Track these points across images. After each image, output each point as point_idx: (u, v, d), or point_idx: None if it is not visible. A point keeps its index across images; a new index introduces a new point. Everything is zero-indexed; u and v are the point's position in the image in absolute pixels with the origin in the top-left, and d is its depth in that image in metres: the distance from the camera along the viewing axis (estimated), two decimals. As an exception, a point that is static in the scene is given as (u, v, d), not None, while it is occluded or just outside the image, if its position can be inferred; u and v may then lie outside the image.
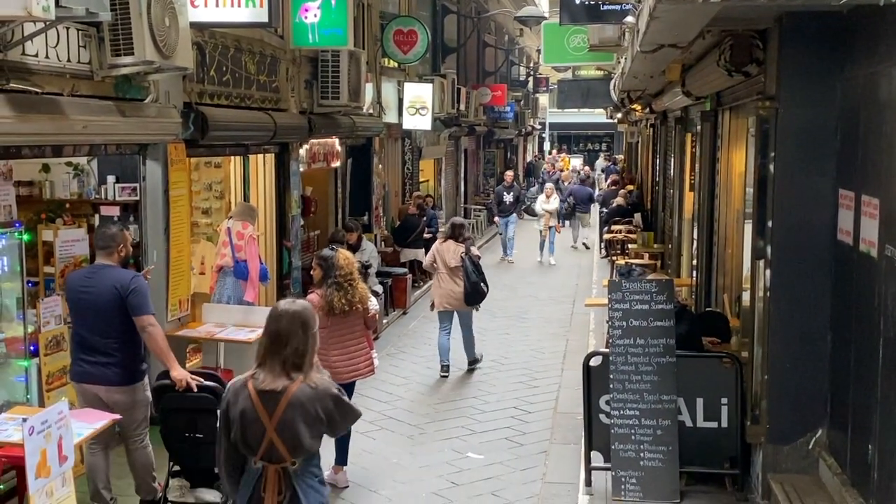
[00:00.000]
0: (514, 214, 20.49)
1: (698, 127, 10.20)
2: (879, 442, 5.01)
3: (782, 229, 6.10)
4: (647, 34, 5.93)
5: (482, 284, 10.45)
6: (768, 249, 6.20)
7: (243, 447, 4.17)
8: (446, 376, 10.52)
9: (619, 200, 19.77)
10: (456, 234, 10.64)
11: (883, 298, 4.95)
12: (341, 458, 7.32)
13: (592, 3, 9.62)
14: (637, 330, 6.64)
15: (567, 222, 23.05)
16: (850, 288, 5.62)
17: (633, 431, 6.59)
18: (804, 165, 6.01)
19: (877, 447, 5.04)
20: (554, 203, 20.49)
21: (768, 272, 6.20)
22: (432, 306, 10.80)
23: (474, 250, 10.68)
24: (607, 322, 7.04)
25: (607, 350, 6.82)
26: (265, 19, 8.01)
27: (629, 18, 7.65)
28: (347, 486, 7.24)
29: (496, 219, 20.84)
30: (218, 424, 4.33)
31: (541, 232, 20.27)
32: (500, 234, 20.66)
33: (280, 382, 4.11)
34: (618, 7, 9.44)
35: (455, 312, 10.59)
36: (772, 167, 6.14)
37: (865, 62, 5.38)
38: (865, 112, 5.38)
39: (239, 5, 7.95)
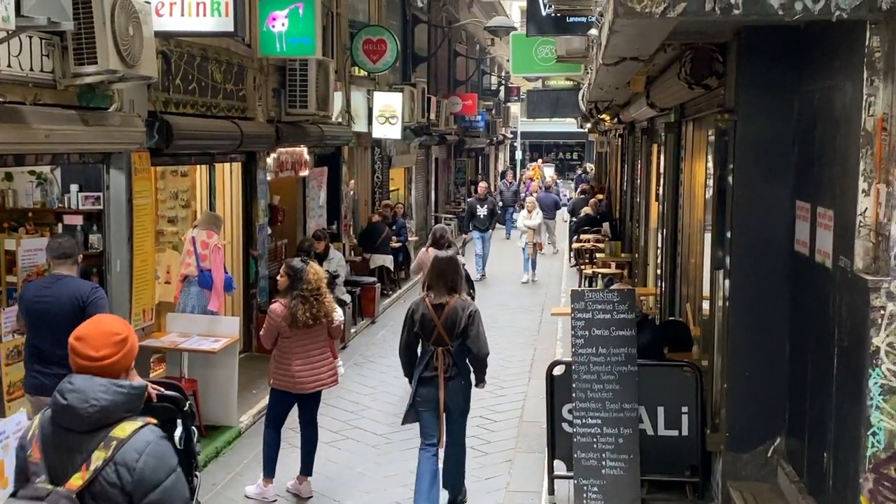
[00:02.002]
0: (490, 230, 19.39)
1: (663, 138, 10.30)
2: (834, 450, 5.08)
3: (741, 240, 6.17)
4: (608, 47, 5.99)
5: (472, 292, 10.46)
6: (727, 260, 6.28)
7: (423, 336, 6.75)
8: None
9: (588, 209, 19.89)
10: (438, 242, 10.62)
11: (837, 308, 5.03)
12: (306, 469, 7.32)
13: (558, 15, 9.70)
14: (599, 339, 6.71)
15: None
16: (807, 298, 5.70)
17: (594, 440, 6.64)
18: (762, 177, 6.09)
19: (832, 455, 5.11)
20: (537, 219, 19.35)
21: (727, 282, 6.28)
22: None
23: (460, 259, 10.66)
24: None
25: (570, 359, 6.87)
26: (230, 29, 8.00)
27: (592, 31, 7.72)
28: (311, 497, 7.24)
29: (467, 235, 19.70)
30: (403, 323, 6.86)
31: (524, 250, 18.93)
32: (477, 253, 19.19)
33: (444, 298, 6.73)
34: (583, 19, 9.52)
35: None
36: (730, 178, 6.22)
37: (820, 76, 5.47)
38: (821, 125, 5.47)
39: (204, 14, 7.92)
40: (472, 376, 6.86)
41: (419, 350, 6.86)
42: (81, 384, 3.14)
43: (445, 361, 6.68)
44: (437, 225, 12.79)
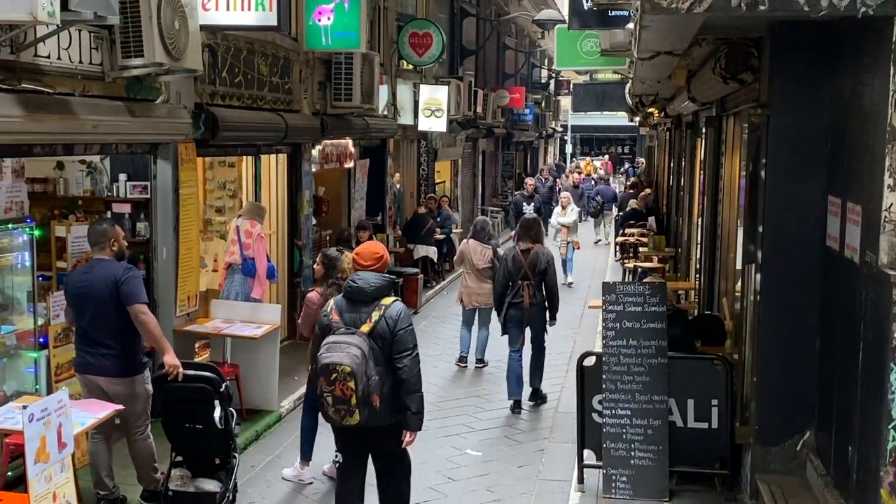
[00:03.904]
0: None
1: (704, 131, 10.29)
2: (859, 443, 5.10)
3: (772, 235, 6.19)
4: (641, 42, 6.05)
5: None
6: (759, 254, 6.30)
7: (514, 274, 9.30)
8: (464, 367, 11.09)
9: (635, 203, 19.82)
10: (479, 234, 10.77)
11: (863, 303, 5.05)
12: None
13: (600, 8, 9.73)
14: (630, 331, 6.77)
15: (595, 219, 24.39)
16: (837, 293, 5.71)
17: (624, 431, 6.71)
18: (794, 172, 6.10)
19: (856, 449, 5.14)
20: (572, 215, 18.09)
21: (759, 276, 6.30)
22: (459, 300, 11.13)
23: (501, 251, 10.77)
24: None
25: (601, 350, 6.95)
26: (274, 23, 8.19)
27: (629, 25, 7.76)
28: (346, 480, 7.39)
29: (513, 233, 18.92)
30: (499, 267, 9.74)
31: (559, 248, 17.40)
32: None
33: (528, 245, 9.34)
34: (626, 13, 9.55)
35: (477, 311, 10.82)
36: (763, 173, 6.24)
37: (851, 72, 5.47)
38: (851, 121, 5.48)
39: (249, 9, 8.13)
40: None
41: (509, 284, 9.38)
42: (364, 275, 5.69)
43: (530, 292, 9.24)
44: (478, 217, 12.89)
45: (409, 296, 14.28)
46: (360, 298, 5.59)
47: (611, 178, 33.87)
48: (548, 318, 9.52)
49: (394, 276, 6.04)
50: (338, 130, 12.22)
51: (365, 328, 5.49)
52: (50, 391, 6.77)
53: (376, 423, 5.50)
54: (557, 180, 29.16)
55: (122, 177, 8.49)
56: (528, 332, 9.52)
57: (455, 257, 11.84)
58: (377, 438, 5.69)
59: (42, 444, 4.73)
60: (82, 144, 7.03)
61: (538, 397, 9.65)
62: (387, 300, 5.61)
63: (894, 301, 4.49)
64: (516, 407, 9.39)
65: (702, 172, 10.71)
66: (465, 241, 11.20)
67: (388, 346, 5.50)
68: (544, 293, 9.42)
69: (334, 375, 5.31)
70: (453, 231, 17.78)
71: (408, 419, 5.59)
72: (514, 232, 11.20)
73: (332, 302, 5.73)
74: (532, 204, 18.56)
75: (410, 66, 16.55)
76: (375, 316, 5.52)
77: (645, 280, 7.99)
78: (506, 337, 9.60)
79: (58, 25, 5.53)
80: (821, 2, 4.59)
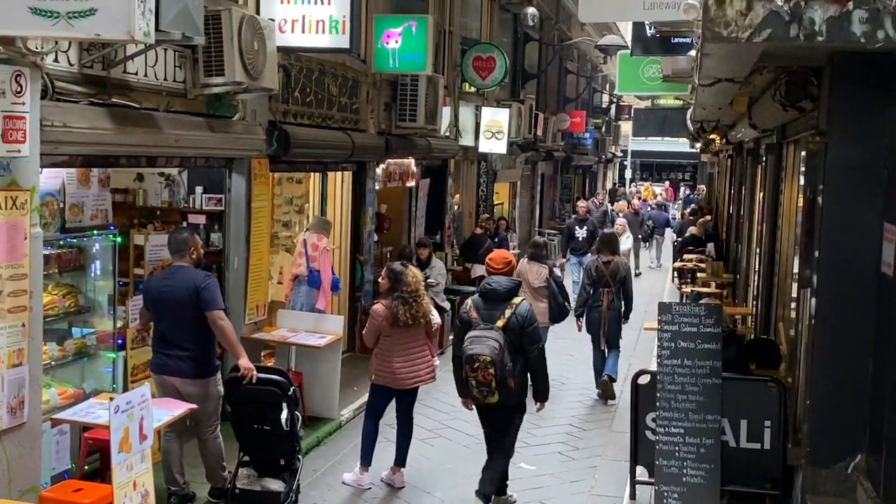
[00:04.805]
0: (588, 254, 16.77)
1: (765, 158, 10.38)
2: (908, 467, 5.19)
3: (828, 259, 6.28)
4: (702, 69, 6.23)
5: (567, 304, 10.80)
6: (814, 278, 6.41)
7: (596, 282, 10.78)
8: None
9: (694, 230, 19.84)
10: (537, 254, 10.99)
11: (916, 328, 5.15)
12: (400, 460, 7.74)
13: (663, 35, 9.91)
14: (685, 351, 6.90)
15: (646, 244, 24.68)
16: (890, 318, 5.80)
17: (677, 448, 6.83)
18: (851, 199, 6.19)
19: (906, 472, 5.22)
20: (626, 243, 17.85)
21: (814, 300, 6.40)
22: None
23: (557, 271, 11.02)
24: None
25: (655, 370, 7.09)
26: (346, 46, 8.54)
27: (691, 52, 7.94)
28: (403, 487, 7.66)
29: (565, 259, 18.01)
30: (584, 277, 11.32)
31: None
32: (574, 281, 16.89)
33: (609, 257, 10.76)
34: (688, 40, 9.72)
35: None
36: (820, 199, 6.35)
37: (909, 102, 5.59)
38: (907, 150, 5.59)
39: (323, 32, 8.50)
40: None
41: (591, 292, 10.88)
42: (498, 279, 6.97)
43: (609, 298, 10.75)
44: (535, 237, 13.12)
45: (466, 314, 14.50)
46: (495, 298, 6.88)
47: (670, 205, 33.85)
48: (622, 320, 11.02)
49: (517, 281, 7.24)
50: (401, 150, 12.54)
51: (500, 323, 6.75)
52: (126, 390, 7.12)
53: (509, 402, 6.85)
54: (612, 205, 29.22)
55: (199, 189, 8.88)
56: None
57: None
58: (508, 413, 6.99)
59: (125, 435, 5.05)
60: (164, 157, 7.41)
61: (612, 381, 10.92)
62: (516, 300, 6.88)
63: (945, 326, 4.60)
64: (604, 387, 10.85)
65: (761, 199, 10.79)
66: (521, 260, 11.41)
67: (517, 337, 6.74)
68: (622, 299, 10.88)
69: (477, 364, 6.61)
70: (526, 252, 17.87)
71: (539, 393, 7.07)
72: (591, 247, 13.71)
73: (469, 301, 7.03)
74: (585, 227, 17.97)
75: (473, 89, 16.85)
76: (508, 313, 6.78)
77: (701, 301, 8.12)
78: (563, 359, 9.88)
79: (151, 44, 5.89)
80: (877, 34, 4.74)
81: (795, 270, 7.77)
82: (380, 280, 7.69)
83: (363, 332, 7.78)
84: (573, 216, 19.58)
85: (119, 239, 7.30)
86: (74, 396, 6.74)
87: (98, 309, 7.25)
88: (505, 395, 6.74)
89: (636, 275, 18.68)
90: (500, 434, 7.15)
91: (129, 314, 7.33)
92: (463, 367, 6.76)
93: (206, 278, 6.56)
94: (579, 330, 11.16)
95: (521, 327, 6.76)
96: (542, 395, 7.11)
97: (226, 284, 8.56)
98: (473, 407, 7.19)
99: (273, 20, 8.30)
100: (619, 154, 45.59)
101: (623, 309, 11.00)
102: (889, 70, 5.96)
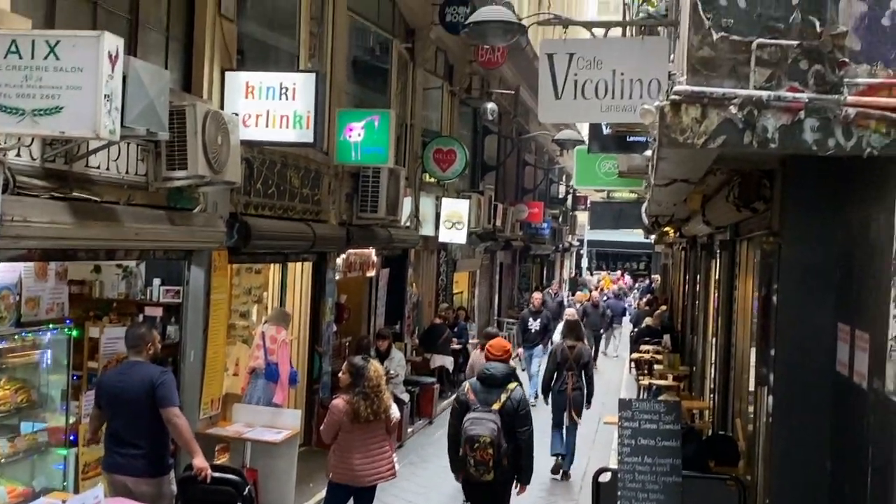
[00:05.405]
0: (541, 346, 17.39)
1: (719, 254, 10.58)
2: (869, 568, 5.18)
3: (784, 358, 6.37)
4: (658, 170, 6.39)
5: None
6: (771, 377, 6.48)
7: (561, 366, 11.55)
8: None
9: (650, 321, 20.01)
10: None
11: (872, 429, 5.21)
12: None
13: (619, 134, 10.16)
14: (645, 448, 6.90)
15: (605, 334, 24.87)
16: (847, 418, 5.86)
17: (639, 548, 6.78)
18: (805, 299, 6.31)
19: (866, 573, 5.21)
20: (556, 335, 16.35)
21: (770, 398, 6.47)
22: None
23: (512, 362, 10.99)
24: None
25: (616, 467, 7.07)
26: (310, 140, 8.64)
27: (647, 152, 8.14)
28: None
29: (519, 350, 17.15)
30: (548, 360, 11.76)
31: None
32: (524, 370, 16.90)
33: (573, 343, 11.59)
34: (643, 139, 9.97)
35: None
36: (775, 299, 6.47)
37: (859, 205, 5.76)
38: (859, 252, 5.73)
39: (287, 126, 8.59)
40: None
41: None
42: (496, 365, 7.48)
43: (573, 380, 11.52)
44: (488, 327, 13.29)
45: (424, 405, 14.41)
46: (493, 383, 7.39)
47: (629, 294, 34.21)
48: (584, 403, 11.77)
49: (513, 367, 7.81)
50: (362, 240, 12.59)
51: (496, 406, 7.25)
52: (77, 489, 6.93)
53: (501, 479, 7.28)
54: (573, 295, 29.44)
55: (156, 281, 8.80)
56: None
57: (468, 370, 12.22)
58: (497, 490, 7.40)
59: (77, 539, 4.90)
60: (123, 250, 7.38)
61: (566, 478, 11.65)
62: (511, 385, 7.40)
63: (900, 428, 4.66)
64: (557, 469, 11.65)
65: (716, 293, 10.95)
66: (476, 350, 11.54)
67: (511, 420, 7.25)
68: (584, 382, 11.71)
69: (477, 444, 7.09)
70: (470, 341, 17.97)
71: (523, 476, 7.50)
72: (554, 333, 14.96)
73: (467, 384, 7.58)
74: (539, 320, 17.54)
75: (434, 180, 17.05)
76: (503, 397, 7.29)
77: (660, 398, 8.16)
78: None
79: (112, 141, 5.91)
80: (828, 141, 4.91)
81: (752, 364, 7.86)
82: (340, 374, 7.63)
83: (321, 427, 7.67)
84: (528, 307, 19.22)
85: (75, 333, 7.19)
86: (24, 495, 6.54)
87: (50, 404, 7.10)
88: (499, 474, 7.19)
89: (614, 356, 19.61)
90: None
91: (83, 409, 7.18)
92: (462, 446, 7.19)
93: (162, 374, 6.47)
94: (546, 404, 11.99)
95: (515, 411, 7.27)
96: (526, 478, 7.54)
97: (181, 378, 8.43)
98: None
99: (237, 114, 8.39)
100: (576, 243, 46.15)
101: (585, 392, 11.75)
102: (840, 173, 6.15)
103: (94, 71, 5.25)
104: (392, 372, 11.74)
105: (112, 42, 5.42)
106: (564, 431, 11.82)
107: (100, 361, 7.74)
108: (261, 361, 9.54)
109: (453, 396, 16.14)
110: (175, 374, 8.34)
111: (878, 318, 5.20)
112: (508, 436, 7.22)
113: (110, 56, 5.35)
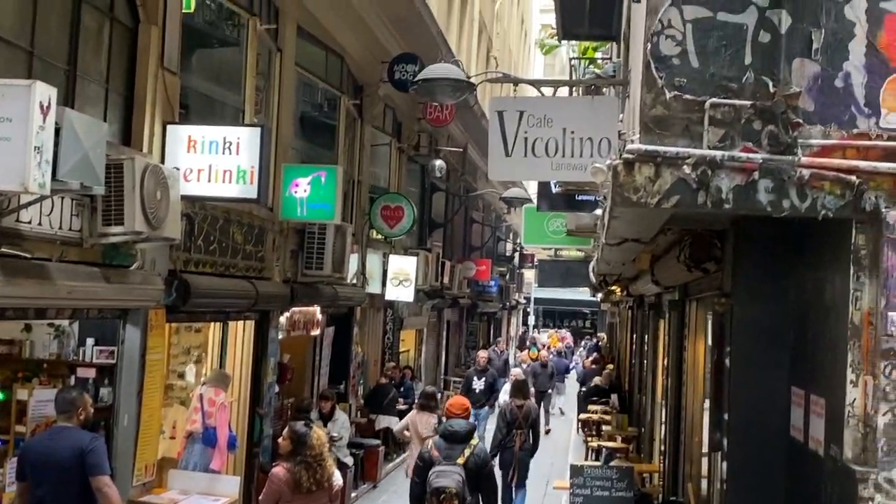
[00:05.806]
0: (486, 407, 16.96)
1: (668, 314, 10.51)
2: None
3: (737, 423, 6.24)
4: (609, 230, 6.29)
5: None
6: (724, 442, 6.34)
7: (511, 425, 11.50)
8: None
9: (598, 380, 19.91)
10: (427, 404, 10.93)
11: (829, 497, 5.08)
12: None
13: (568, 193, 10.13)
14: (597, 516, 6.70)
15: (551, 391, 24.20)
16: (802, 484, 5.73)
17: None
18: (758, 362, 6.21)
19: None
20: (503, 396, 15.48)
21: (724, 464, 6.32)
22: (407, 474, 10.82)
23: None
24: (569, 507, 7.12)
25: (568, 536, 6.86)
26: (254, 196, 8.41)
27: (597, 211, 8.08)
28: None
29: None
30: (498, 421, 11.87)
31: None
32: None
33: (521, 402, 11.61)
34: (591, 198, 9.94)
35: None
36: (727, 361, 6.36)
37: (813, 267, 5.70)
38: (813, 314, 5.65)
39: (230, 181, 8.36)
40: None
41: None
42: (457, 422, 7.72)
43: (522, 438, 11.53)
44: (427, 386, 13.13)
45: (369, 468, 14.04)
46: (455, 439, 7.66)
47: (575, 352, 34.16)
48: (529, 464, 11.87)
49: (474, 423, 8.25)
50: (307, 298, 12.31)
51: (460, 461, 7.53)
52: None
53: None
54: (522, 352, 29.31)
55: (90, 341, 8.45)
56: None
57: (397, 427, 12.33)
58: None
59: None
60: (55, 309, 7.04)
61: None
62: (473, 441, 7.73)
63: (859, 496, 4.54)
64: None
65: (665, 353, 10.86)
66: (413, 412, 11.44)
67: (474, 474, 7.52)
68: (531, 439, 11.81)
69: (443, 496, 7.33)
70: (416, 401, 17.63)
71: None
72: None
73: (431, 441, 7.86)
74: (483, 379, 17.15)
75: (381, 237, 16.88)
76: (467, 453, 7.57)
77: (612, 463, 7.99)
78: None
79: (43, 196, 5.64)
80: (782, 203, 4.84)
81: (704, 426, 7.73)
82: (280, 441, 7.30)
83: (260, 497, 7.32)
84: (473, 366, 18.83)
85: (1, 395, 6.82)
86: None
87: (-29, 471, 6.68)
88: None
89: (546, 431, 19.04)
90: None
91: (7, 476, 6.78)
92: (429, 499, 7.44)
93: (93, 440, 6.14)
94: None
95: (477, 466, 7.56)
96: None
97: (113, 443, 8.04)
98: None
99: (178, 169, 8.15)
100: (523, 301, 46.16)
101: (532, 446, 11.91)
102: (792, 234, 6.09)
103: (24, 121, 5.03)
104: (335, 434, 11.40)
105: (44, 92, 5.19)
106: (513, 492, 11.72)
107: (28, 425, 7.39)
108: (198, 425, 9.17)
109: (399, 458, 15.94)
110: (108, 439, 7.99)
111: (834, 384, 5.10)
112: (472, 491, 7.50)
113: (42, 106, 5.12)
